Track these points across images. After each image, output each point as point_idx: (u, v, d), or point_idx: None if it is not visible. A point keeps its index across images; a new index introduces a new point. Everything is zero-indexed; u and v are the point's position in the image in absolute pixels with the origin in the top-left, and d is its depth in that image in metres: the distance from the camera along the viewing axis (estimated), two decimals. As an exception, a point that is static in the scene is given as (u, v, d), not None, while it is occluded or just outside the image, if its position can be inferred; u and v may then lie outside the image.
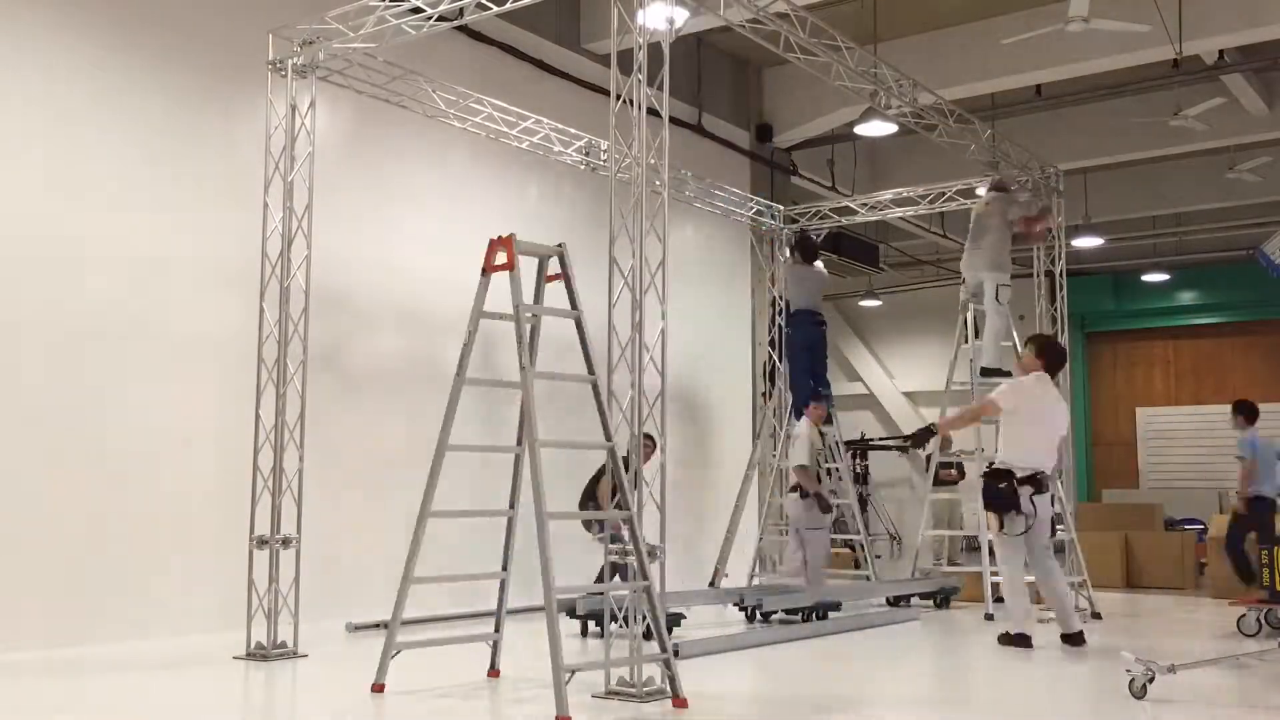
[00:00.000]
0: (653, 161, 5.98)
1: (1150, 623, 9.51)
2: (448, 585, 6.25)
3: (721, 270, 13.20)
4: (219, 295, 7.98)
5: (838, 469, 11.61)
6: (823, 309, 11.52)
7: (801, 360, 11.33)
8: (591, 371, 5.91)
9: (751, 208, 12.38)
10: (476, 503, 6.49)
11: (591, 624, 7.82)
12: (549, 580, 5.12)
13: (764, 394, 12.90)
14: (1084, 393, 20.95)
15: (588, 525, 8.30)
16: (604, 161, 9.55)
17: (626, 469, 5.68)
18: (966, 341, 10.30)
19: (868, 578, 11.33)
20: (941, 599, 10.03)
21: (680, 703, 5.34)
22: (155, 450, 7.63)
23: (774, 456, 11.78)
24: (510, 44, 10.36)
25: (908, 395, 21.25)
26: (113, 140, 7.63)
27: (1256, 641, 7.92)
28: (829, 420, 11.27)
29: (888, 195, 12.13)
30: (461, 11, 7.24)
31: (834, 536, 13.53)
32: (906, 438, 8.37)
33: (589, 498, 8.75)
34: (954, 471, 13.33)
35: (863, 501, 16.92)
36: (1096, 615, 9.29)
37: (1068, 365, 10.74)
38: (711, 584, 10.86)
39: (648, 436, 5.90)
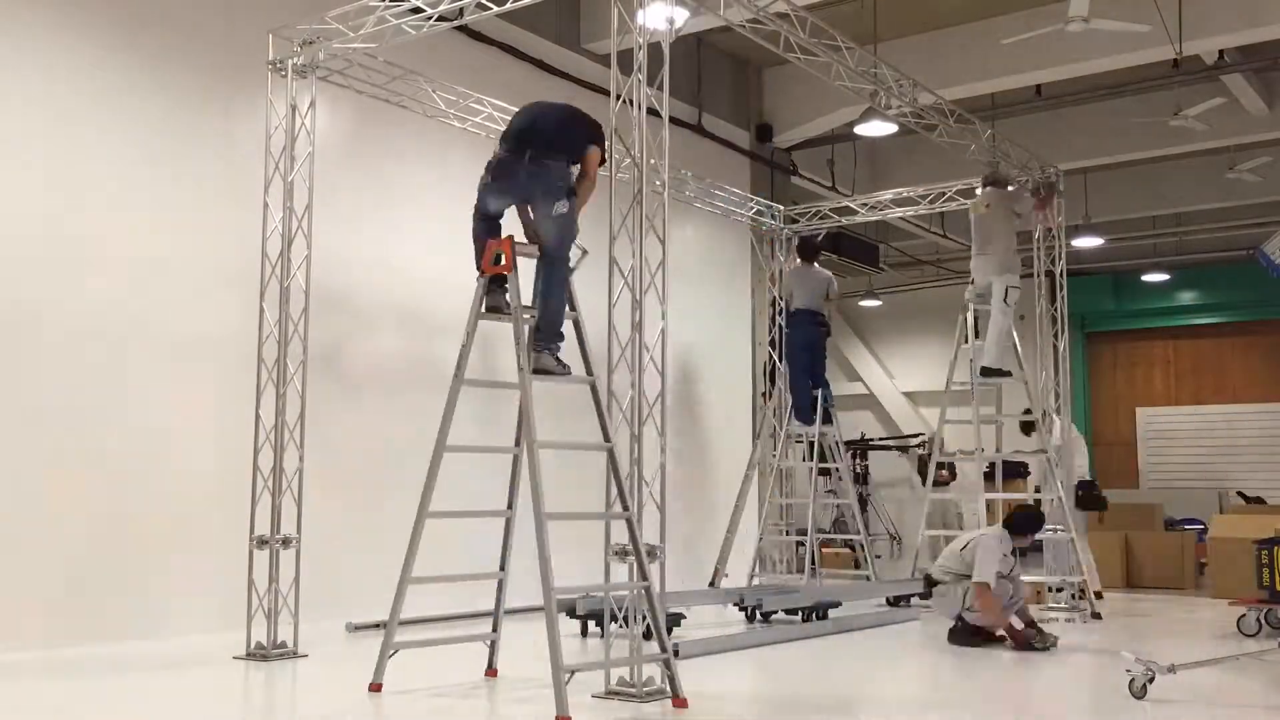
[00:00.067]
0: (653, 161, 5.98)
1: (1150, 623, 9.51)
2: (447, 585, 6.24)
3: (721, 270, 13.20)
4: (219, 295, 7.98)
5: (838, 469, 11.61)
6: (826, 310, 11.52)
7: (801, 360, 11.34)
8: (590, 372, 5.91)
9: (751, 208, 12.38)
10: (475, 503, 6.48)
11: (591, 624, 7.83)
12: (548, 580, 5.12)
13: (764, 394, 12.90)
14: (1084, 393, 20.95)
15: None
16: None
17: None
18: (966, 341, 10.30)
19: (868, 578, 11.33)
20: (941, 599, 10.01)
21: (680, 703, 5.35)
22: (155, 450, 7.63)
23: (774, 457, 11.79)
24: (510, 44, 10.36)
25: (908, 395, 21.25)
26: (113, 140, 7.63)
27: (1256, 641, 7.92)
28: (829, 419, 11.28)
29: (888, 195, 12.13)
30: (461, 11, 7.24)
31: (834, 536, 13.57)
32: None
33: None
34: (944, 472, 13.35)
35: (863, 501, 16.91)
36: (1096, 615, 9.29)
37: (1067, 365, 10.75)
38: (711, 584, 10.86)
39: None
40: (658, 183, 6.12)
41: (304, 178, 7.55)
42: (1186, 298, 20.45)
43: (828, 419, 11.22)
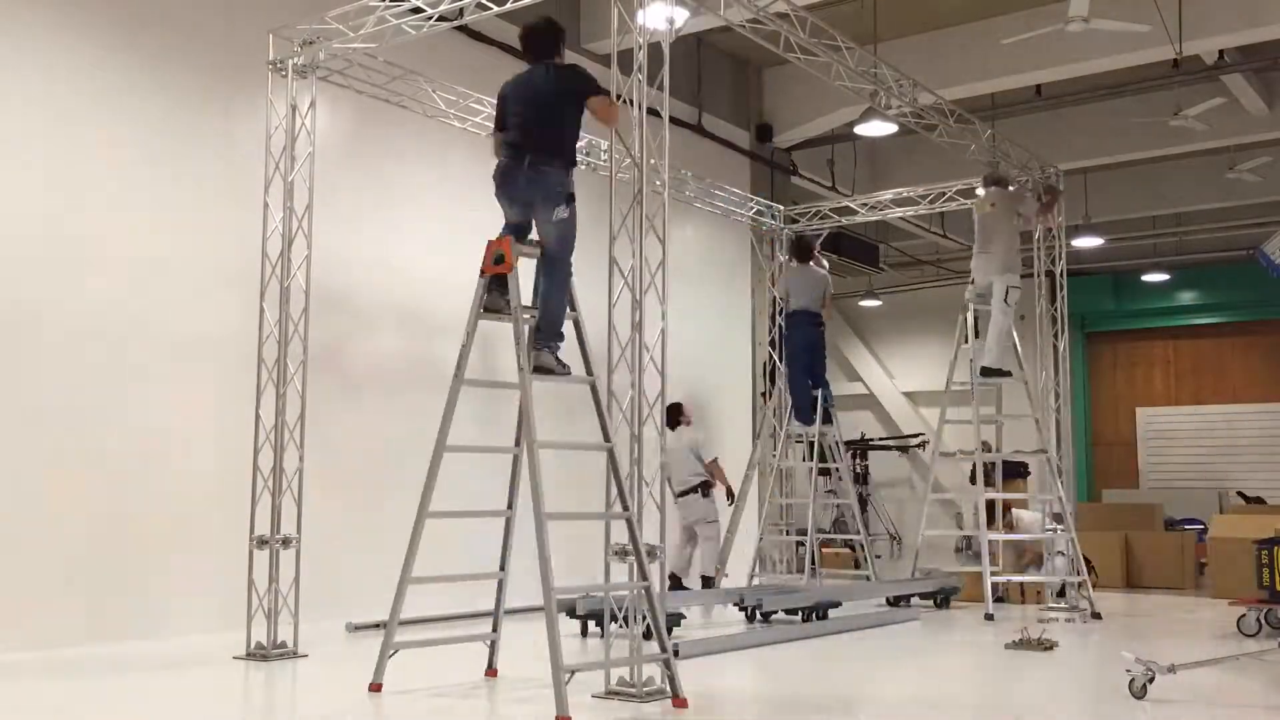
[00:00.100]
0: (653, 161, 5.98)
1: (1150, 623, 9.52)
2: (447, 585, 6.24)
3: (721, 270, 13.20)
4: (219, 295, 7.98)
5: (838, 469, 11.61)
6: (824, 309, 11.47)
7: (801, 361, 11.33)
8: (590, 372, 5.91)
9: (751, 208, 12.38)
10: (475, 503, 6.48)
11: (591, 624, 7.83)
12: (548, 580, 5.12)
13: (764, 394, 12.90)
14: (1084, 393, 20.95)
15: None
16: (604, 161, 9.55)
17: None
18: (966, 341, 10.30)
19: (868, 578, 11.33)
20: (941, 599, 10.03)
21: (680, 703, 5.35)
22: (155, 450, 7.63)
23: (774, 457, 11.78)
24: (510, 44, 10.25)
25: (908, 395, 21.24)
26: (113, 140, 7.63)
27: (1256, 641, 7.91)
28: (829, 420, 11.28)
29: (888, 195, 12.13)
30: (461, 11, 7.25)
31: (834, 536, 13.57)
32: None
33: None
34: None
35: (863, 501, 16.92)
36: (1096, 615, 9.30)
37: (1067, 365, 10.75)
38: (712, 584, 10.86)
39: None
40: (658, 183, 6.12)
41: (304, 178, 7.55)
42: (1186, 298, 20.45)
43: (828, 419, 11.21)
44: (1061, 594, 9.99)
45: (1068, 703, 6.20)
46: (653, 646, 5.49)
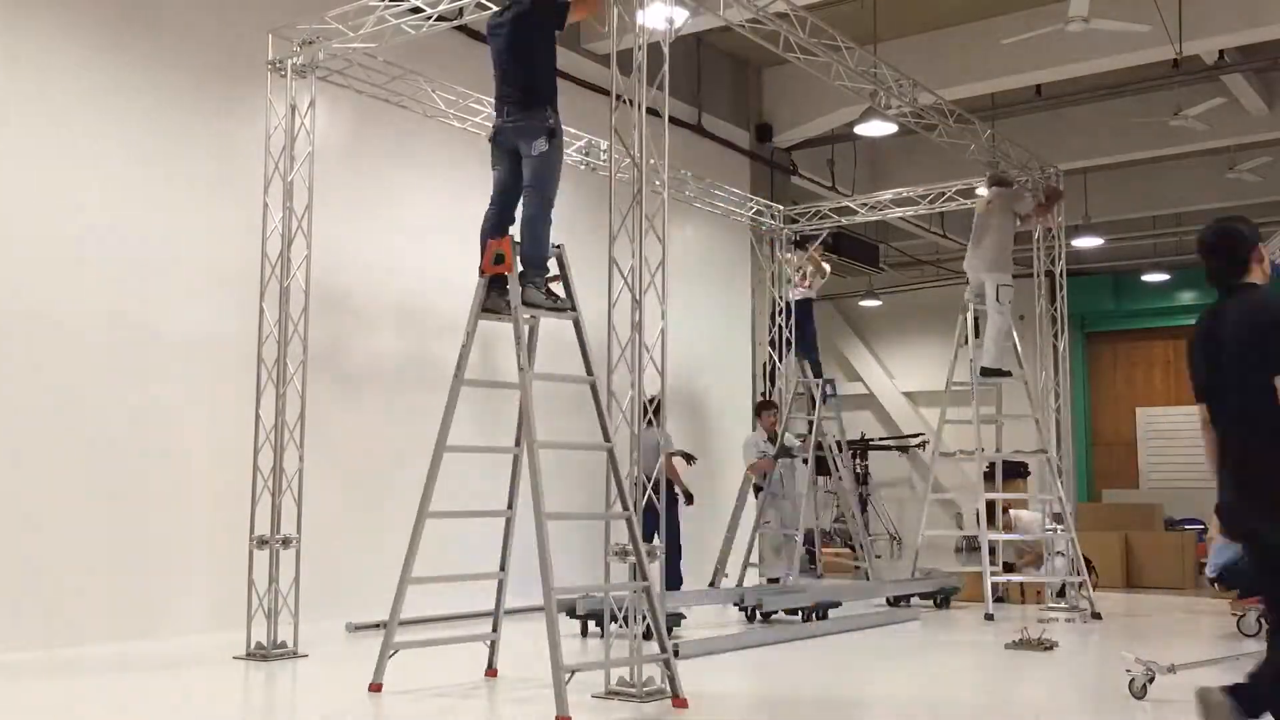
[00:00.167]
0: (652, 161, 5.98)
1: (1150, 623, 9.51)
2: (447, 585, 6.24)
3: (721, 270, 13.19)
4: (219, 295, 7.98)
5: (838, 469, 11.61)
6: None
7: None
8: (590, 372, 5.91)
9: (751, 208, 12.38)
10: (475, 503, 6.48)
11: (591, 624, 7.83)
12: (548, 580, 5.12)
13: (763, 394, 12.89)
14: (1084, 393, 20.94)
15: None
16: (603, 161, 9.55)
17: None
18: (966, 342, 10.30)
19: (867, 577, 11.33)
20: (941, 599, 10.03)
21: (680, 703, 5.34)
22: (155, 450, 7.62)
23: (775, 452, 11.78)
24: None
25: (908, 395, 21.24)
26: (111, 140, 7.63)
27: (1256, 641, 7.91)
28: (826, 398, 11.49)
29: (888, 195, 12.13)
30: (461, 11, 7.25)
31: (835, 537, 13.57)
32: None
33: None
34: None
35: (863, 501, 16.92)
36: (1096, 615, 9.30)
37: (1067, 365, 10.74)
38: (711, 584, 10.86)
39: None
40: (657, 183, 6.12)
41: (304, 178, 7.55)
42: (1186, 298, 20.43)
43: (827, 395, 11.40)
44: (1061, 594, 9.99)
45: (1068, 703, 6.20)
46: (653, 646, 5.49)
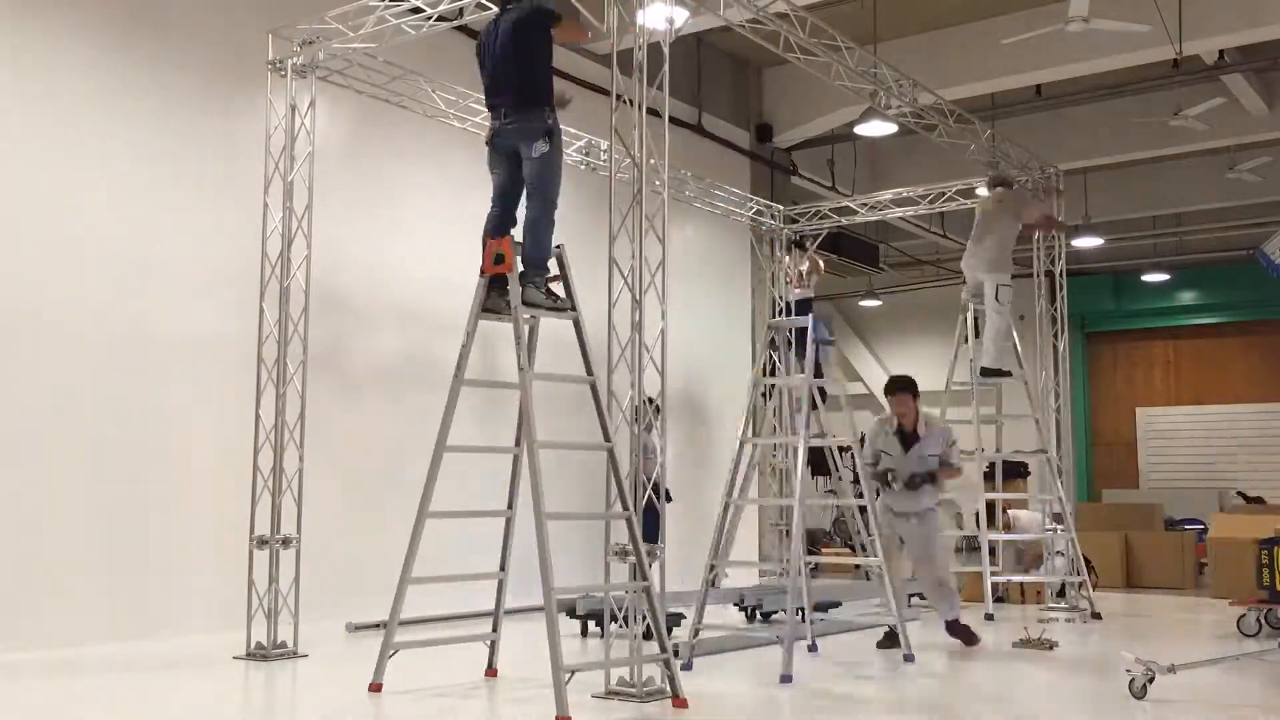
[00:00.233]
0: (652, 161, 5.98)
1: (1150, 623, 9.51)
2: (447, 585, 6.25)
3: (721, 270, 13.19)
4: (219, 295, 7.98)
5: (837, 468, 11.60)
6: None
7: None
8: (590, 372, 5.91)
9: (751, 208, 12.38)
10: (475, 503, 6.49)
11: (591, 624, 7.83)
12: (548, 580, 5.12)
13: (764, 394, 12.89)
14: (1084, 393, 20.94)
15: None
16: (603, 161, 9.56)
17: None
18: (966, 341, 10.30)
19: (867, 577, 11.32)
20: (941, 599, 10.00)
21: (680, 703, 5.35)
22: (155, 450, 7.63)
23: (774, 456, 11.78)
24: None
25: (908, 395, 21.22)
26: (112, 140, 7.63)
27: (1256, 641, 7.92)
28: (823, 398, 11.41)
29: (888, 195, 12.13)
30: (461, 11, 7.24)
31: (836, 536, 13.57)
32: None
33: None
34: None
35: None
36: (1096, 615, 9.30)
37: (1067, 365, 10.74)
38: (711, 584, 10.84)
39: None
40: (657, 183, 6.12)
41: (304, 178, 7.55)
42: (1186, 298, 20.44)
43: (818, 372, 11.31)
44: (1061, 594, 9.99)
45: (1068, 703, 6.20)
46: (653, 646, 5.49)
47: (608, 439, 5.73)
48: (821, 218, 12.49)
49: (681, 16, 7.36)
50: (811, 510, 12.27)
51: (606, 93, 6.13)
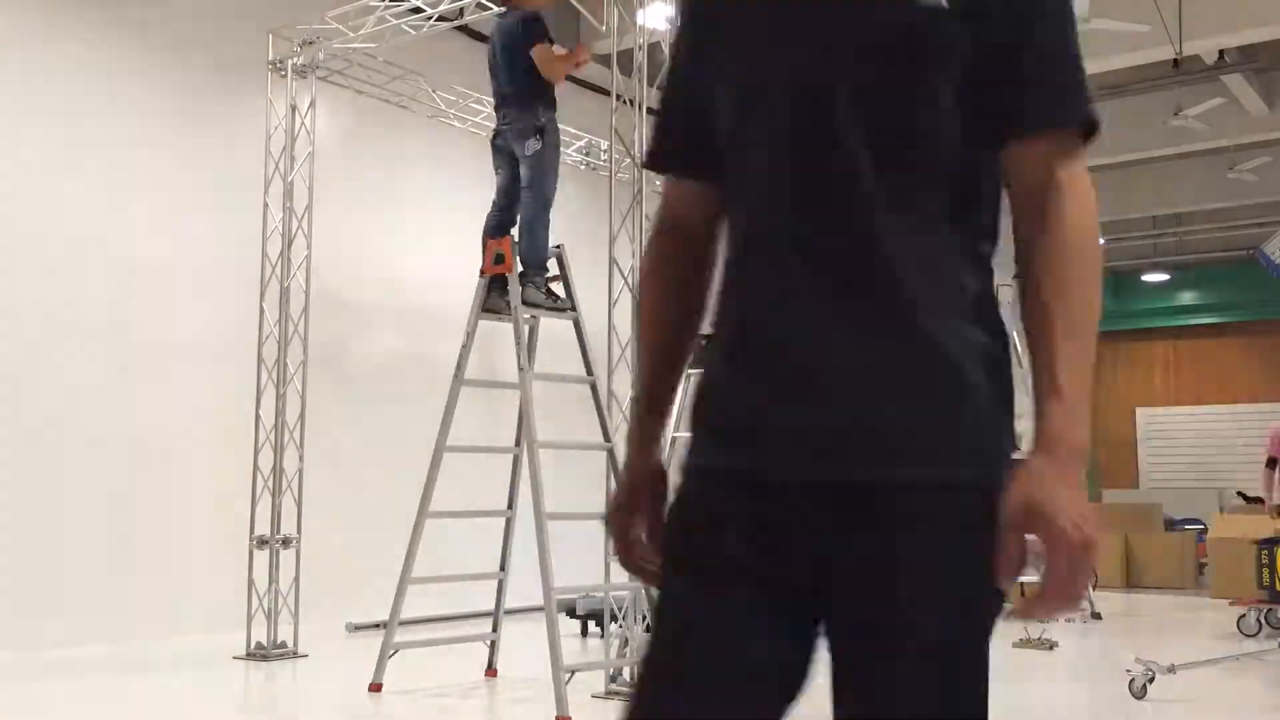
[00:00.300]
0: (652, 162, 5.97)
1: (1150, 623, 9.52)
2: (447, 585, 6.25)
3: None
4: (219, 295, 7.99)
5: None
6: None
7: None
8: (590, 372, 5.91)
9: (751, 208, 12.37)
10: (475, 503, 6.49)
11: (591, 624, 7.83)
12: (548, 580, 5.12)
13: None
14: (1084, 393, 20.89)
15: None
16: (603, 161, 9.56)
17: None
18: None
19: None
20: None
21: (680, 703, 5.34)
22: (155, 450, 7.63)
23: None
24: (510, 44, 10.35)
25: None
26: (111, 140, 7.63)
27: (1256, 641, 7.92)
28: None
29: (888, 195, 12.10)
30: (461, 11, 7.25)
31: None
32: None
33: None
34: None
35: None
36: (1096, 615, 9.30)
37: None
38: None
39: None
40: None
41: (304, 178, 7.56)
42: (1186, 298, 20.43)
43: None
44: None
45: (1068, 703, 6.20)
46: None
47: (608, 439, 5.74)
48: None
49: (681, 16, 7.35)
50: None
51: (606, 93, 6.13)
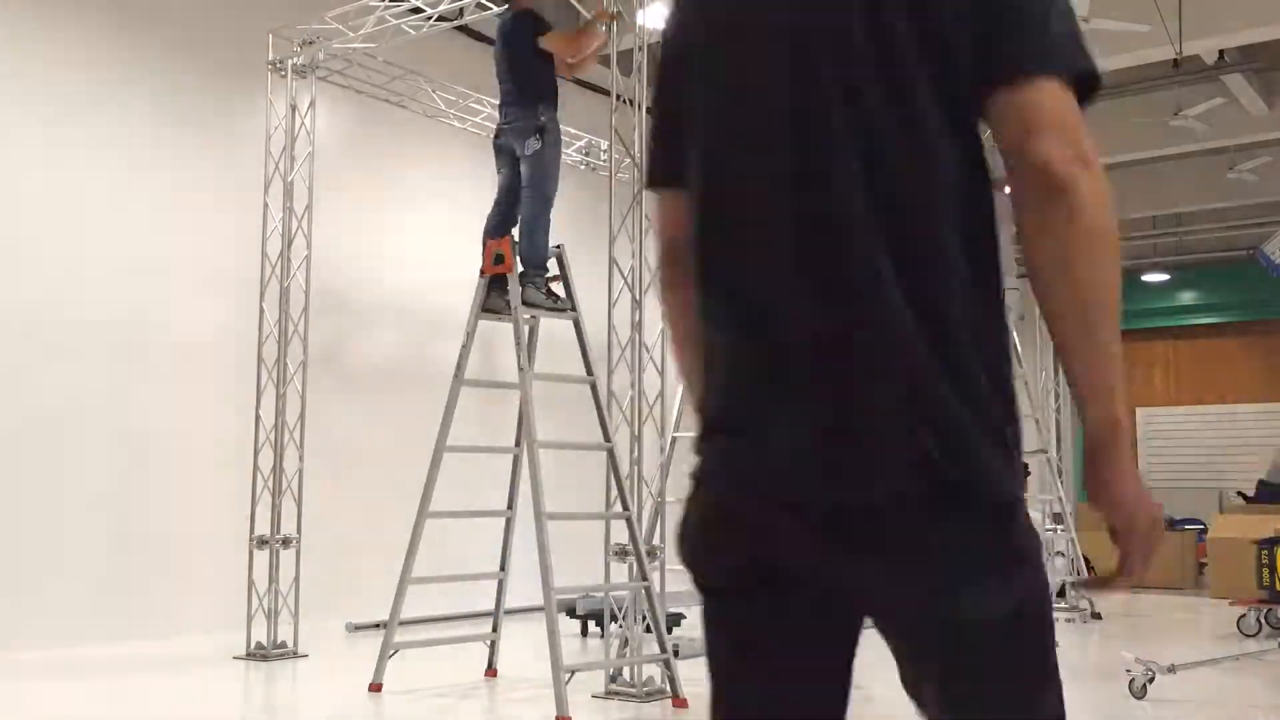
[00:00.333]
0: (652, 161, 5.98)
1: (1150, 623, 9.51)
2: (447, 585, 6.25)
3: (721, 270, 13.18)
4: (219, 295, 7.98)
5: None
6: None
7: None
8: (590, 372, 5.91)
9: (751, 208, 12.37)
10: (475, 503, 6.49)
11: (591, 624, 7.82)
12: (548, 580, 5.12)
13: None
14: (1084, 393, 20.90)
15: None
16: (603, 161, 9.56)
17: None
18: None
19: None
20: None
21: (680, 703, 5.35)
22: (155, 450, 7.63)
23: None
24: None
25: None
26: (112, 140, 7.63)
27: (1256, 641, 7.92)
28: None
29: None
30: (461, 11, 7.25)
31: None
32: None
33: None
34: None
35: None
36: (1096, 615, 9.30)
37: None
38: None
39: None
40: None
41: (304, 178, 7.56)
42: (1186, 298, 20.43)
43: None
44: (1061, 594, 9.97)
45: (1067, 702, 6.20)
46: (653, 646, 5.49)
47: (608, 439, 5.74)
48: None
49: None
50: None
51: (606, 93, 6.13)
